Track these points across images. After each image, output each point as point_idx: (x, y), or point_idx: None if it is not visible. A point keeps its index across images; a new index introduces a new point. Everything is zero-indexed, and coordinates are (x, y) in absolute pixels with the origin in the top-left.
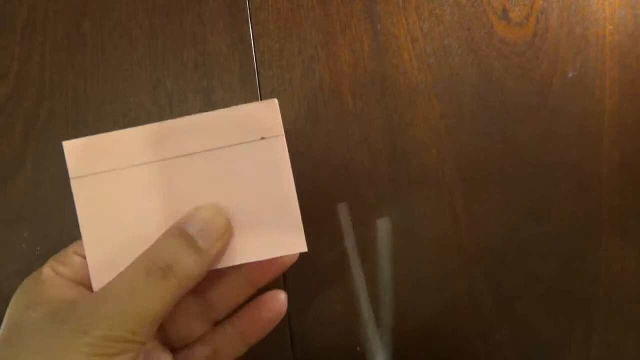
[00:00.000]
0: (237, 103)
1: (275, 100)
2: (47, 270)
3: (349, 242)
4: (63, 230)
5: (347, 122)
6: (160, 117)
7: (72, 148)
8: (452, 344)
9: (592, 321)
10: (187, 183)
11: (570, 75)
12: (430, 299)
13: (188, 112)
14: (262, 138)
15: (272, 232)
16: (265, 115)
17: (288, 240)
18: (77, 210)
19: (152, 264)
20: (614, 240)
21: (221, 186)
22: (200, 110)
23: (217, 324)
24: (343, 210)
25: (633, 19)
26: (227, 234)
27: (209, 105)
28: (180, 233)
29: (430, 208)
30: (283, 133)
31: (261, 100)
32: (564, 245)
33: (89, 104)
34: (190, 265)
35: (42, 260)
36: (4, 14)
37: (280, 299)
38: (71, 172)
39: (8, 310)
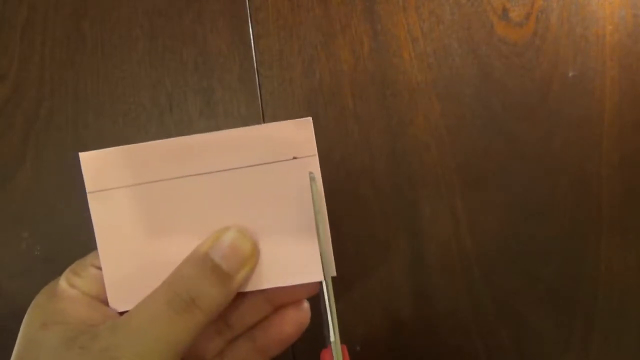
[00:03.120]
0: (237, 103)
1: (310, 119)
2: (63, 284)
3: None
4: (63, 230)
5: (347, 122)
6: (160, 117)
7: (89, 160)
8: (452, 343)
9: (592, 321)
10: (211, 202)
11: (570, 75)
12: (430, 298)
13: (188, 112)
14: (294, 158)
15: (301, 256)
16: (298, 134)
17: (317, 267)
18: (94, 226)
19: (174, 295)
20: (614, 240)
21: (247, 206)
22: (200, 110)
23: (233, 341)
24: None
25: (633, 19)
26: (253, 259)
27: (208, 105)
28: (204, 260)
29: (430, 208)
30: (316, 153)
31: (261, 100)
32: (564, 245)
33: (89, 104)
34: (214, 296)
35: (42, 260)
36: (4, 14)
37: (304, 309)
38: (88, 186)
39: (23, 327)
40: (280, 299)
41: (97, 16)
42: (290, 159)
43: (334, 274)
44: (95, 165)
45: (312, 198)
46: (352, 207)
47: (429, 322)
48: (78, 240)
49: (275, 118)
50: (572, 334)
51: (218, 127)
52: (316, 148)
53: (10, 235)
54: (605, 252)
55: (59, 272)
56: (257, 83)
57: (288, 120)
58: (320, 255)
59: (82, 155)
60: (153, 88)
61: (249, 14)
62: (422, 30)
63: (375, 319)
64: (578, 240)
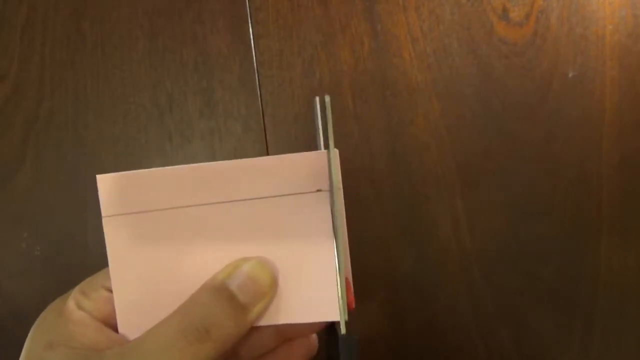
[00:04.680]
0: (237, 103)
1: (337, 151)
2: (71, 304)
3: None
4: (63, 230)
5: (347, 122)
6: (160, 117)
7: (106, 183)
8: (452, 343)
9: (592, 321)
10: (230, 231)
11: (570, 75)
12: (430, 298)
13: (188, 112)
14: (319, 190)
15: (318, 293)
16: (324, 166)
17: (334, 307)
18: (107, 250)
19: (188, 325)
20: (614, 240)
21: (267, 238)
22: (200, 111)
23: None
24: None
25: (633, 18)
26: (272, 292)
27: (209, 105)
28: (220, 288)
29: (430, 208)
30: (341, 186)
31: (261, 100)
32: (564, 245)
33: (89, 104)
34: (229, 327)
35: (42, 260)
36: (4, 14)
37: (311, 340)
38: (104, 210)
39: (27, 343)
40: (291, 333)
41: (97, 16)
42: (314, 192)
43: (351, 308)
44: (112, 188)
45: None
46: (352, 207)
47: (429, 322)
48: (78, 241)
49: (275, 118)
50: (572, 334)
51: (218, 127)
52: (341, 180)
53: (10, 235)
54: (605, 252)
55: (59, 272)
56: (257, 83)
57: (313, 152)
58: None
59: (100, 178)
60: (153, 88)
61: (249, 14)
62: (422, 30)
63: (375, 319)
64: (578, 240)
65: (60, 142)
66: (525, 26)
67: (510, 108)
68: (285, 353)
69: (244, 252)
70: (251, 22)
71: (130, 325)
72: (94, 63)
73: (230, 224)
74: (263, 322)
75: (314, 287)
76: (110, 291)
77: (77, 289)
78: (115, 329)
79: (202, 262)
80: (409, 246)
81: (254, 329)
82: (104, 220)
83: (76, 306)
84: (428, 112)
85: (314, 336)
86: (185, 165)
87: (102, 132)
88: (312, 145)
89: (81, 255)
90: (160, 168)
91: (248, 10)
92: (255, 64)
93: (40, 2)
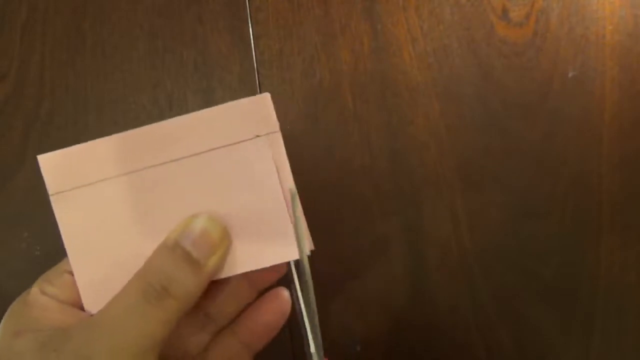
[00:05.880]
0: None
1: (268, 95)
2: (34, 291)
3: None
4: None
5: (347, 122)
6: (161, 117)
7: (48, 162)
8: (452, 343)
9: (592, 321)
10: (176, 191)
11: (570, 75)
12: (430, 297)
13: (188, 112)
14: (257, 136)
15: (273, 236)
16: (258, 111)
17: (292, 245)
18: (60, 229)
19: (147, 286)
20: (614, 240)
21: (214, 192)
22: None
23: (217, 334)
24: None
25: (633, 18)
26: (224, 244)
27: (208, 105)
28: (173, 248)
29: (430, 207)
30: (279, 129)
31: None
32: (563, 245)
33: (89, 104)
34: (187, 283)
35: (42, 260)
36: (4, 14)
37: (282, 297)
38: (50, 188)
39: None
40: (259, 280)
41: (97, 16)
42: (253, 138)
43: (311, 248)
44: (56, 166)
45: (294, 211)
46: (352, 207)
47: (429, 322)
48: None
49: None
50: (572, 334)
51: None
52: (278, 124)
53: (10, 235)
54: (605, 252)
55: None
56: (257, 83)
57: (244, 98)
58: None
59: (41, 158)
60: (153, 88)
61: (249, 14)
62: (422, 30)
63: (375, 319)
64: (578, 239)
65: (60, 142)
66: (525, 26)
67: (510, 108)
68: (258, 313)
69: (193, 210)
70: (251, 22)
71: (95, 301)
72: (94, 63)
73: (176, 184)
74: (223, 274)
75: (267, 231)
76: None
77: (40, 278)
78: (83, 310)
79: (153, 226)
80: (409, 246)
81: (221, 287)
82: (51, 199)
83: (40, 293)
84: (428, 112)
85: (286, 294)
86: (122, 133)
87: (102, 132)
88: (311, 146)
89: None
90: (99, 139)
91: (248, 10)
92: (255, 64)
93: (40, 2)
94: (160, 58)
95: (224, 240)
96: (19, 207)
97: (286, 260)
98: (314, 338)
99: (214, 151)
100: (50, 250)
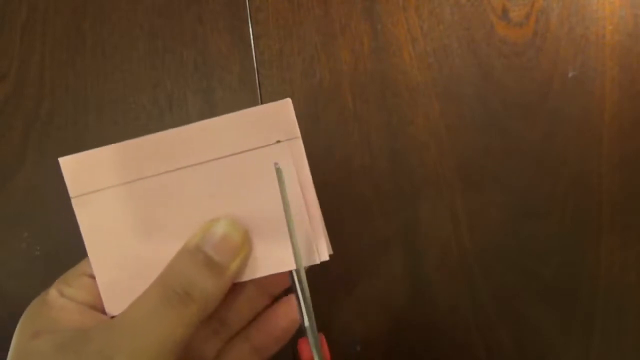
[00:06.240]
0: (237, 103)
1: (289, 100)
2: (53, 293)
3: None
4: (63, 230)
5: (347, 122)
6: (160, 117)
7: (69, 165)
8: (452, 343)
9: (592, 321)
10: (197, 195)
11: (570, 75)
12: (430, 298)
13: (188, 112)
14: (278, 141)
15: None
16: (279, 117)
17: (311, 250)
18: (81, 231)
19: (169, 290)
20: (614, 240)
21: (235, 196)
22: (200, 111)
23: (229, 340)
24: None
25: (633, 18)
26: (245, 248)
27: (208, 105)
28: (195, 252)
29: (430, 207)
30: (299, 135)
31: (261, 100)
32: (563, 245)
33: (89, 104)
34: (209, 287)
35: (42, 260)
36: (4, 14)
37: (294, 304)
38: (71, 191)
39: (14, 339)
40: (273, 287)
41: (97, 16)
42: (274, 143)
43: (330, 253)
44: (77, 168)
45: (280, 189)
46: (352, 207)
47: (430, 322)
48: (78, 240)
49: None
50: (572, 334)
51: None
52: (298, 130)
53: (10, 235)
54: (605, 252)
55: (59, 272)
56: (257, 83)
57: (266, 104)
58: (292, 244)
59: (62, 160)
60: (153, 88)
61: (249, 14)
62: (422, 30)
63: (375, 319)
64: (578, 239)
65: (60, 142)
66: (525, 26)
67: (510, 108)
68: (271, 319)
69: (215, 213)
70: (251, 22)
71: (116, 303)
72: (94, 63)
73: (197, 188)
74: (244, 278)
75: (286, 236)
76: (93, 278)
77: (58, 279)
78: (103, 312)
79: (175, 229)
80: (409, 246)
81: (236, 293)
82: (72, 202)
83: (59, 294)
84: (428, 112)
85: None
86: (145, 136)
87: (102, 132)
88: (311, 146)
89: (81, 255)
90: (122, 142)
91: (248, 10)
92: (255, 64)
93: (40, 2)
94: (160, 58)
95: (245, 245)
96: (19, 207)
97: (317, 261)
98: (311, 322)
99: (235, 156)
100: (50, 250)
